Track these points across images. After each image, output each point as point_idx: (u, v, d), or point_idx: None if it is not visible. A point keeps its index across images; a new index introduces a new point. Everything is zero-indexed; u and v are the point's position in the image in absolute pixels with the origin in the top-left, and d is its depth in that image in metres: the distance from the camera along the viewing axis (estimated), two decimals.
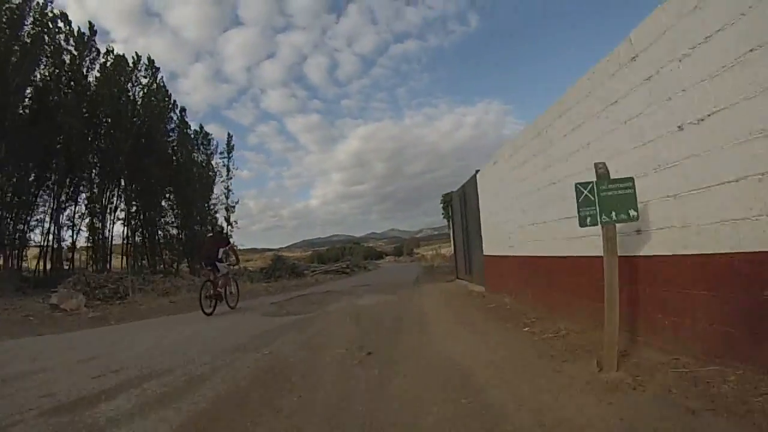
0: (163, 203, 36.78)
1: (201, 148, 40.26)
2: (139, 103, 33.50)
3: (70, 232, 28.96)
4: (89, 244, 31.19)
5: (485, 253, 8.04)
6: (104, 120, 28.86)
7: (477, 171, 8.57)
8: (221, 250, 7.95)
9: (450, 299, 7.80)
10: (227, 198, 41.22)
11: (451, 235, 10.94)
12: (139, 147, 31.36)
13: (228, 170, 41.48)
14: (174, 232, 37.91)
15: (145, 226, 35.95)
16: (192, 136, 39.19)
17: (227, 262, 8.18)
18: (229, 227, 40.89)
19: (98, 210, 31.68)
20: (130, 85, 32.90)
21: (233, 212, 41.72)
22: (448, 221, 11.35)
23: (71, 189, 28.66)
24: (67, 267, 22.29)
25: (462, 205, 9.59)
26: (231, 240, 10.44)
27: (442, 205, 11.65)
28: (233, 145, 42.69)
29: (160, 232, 36.83)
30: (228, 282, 8.16)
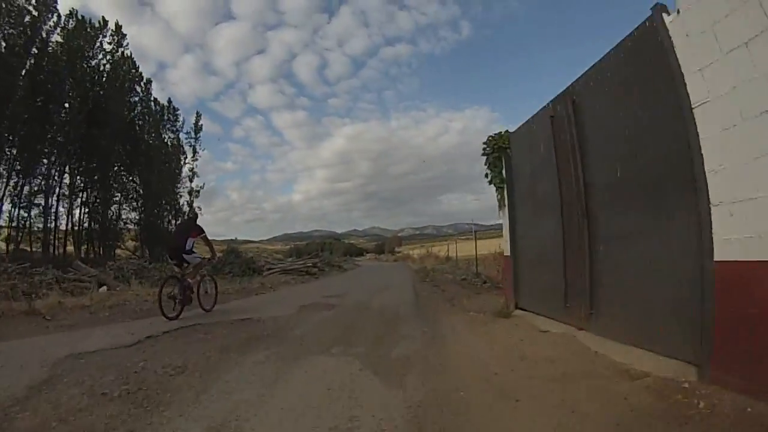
0: (122, 183, 31.75)
1: (167, 125, 34.83)
2: (101, 70, 28.68)
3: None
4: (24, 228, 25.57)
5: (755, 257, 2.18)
6: (64, 87, 23.98)
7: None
8: (190, 241, 6.12)
9: None
10: (191, 181, 35.60)
11: (506, 215, 5.08)
12: (96, 119, 26.30)
13: (194, 151, 35.94)
14: (131, 216, 32.18)
15: (98, 209, 29.96)
16: (157, 110, 33.67)
17: (197, 255, 6.27)
18: (192, 213, 35.26)
19: (43, 188, 26.19)
20: (92, 51, 28.14)
21: (197, 197, 35.90)
22: (499, 190, 5.38)
23: (23, 164, 23.42)
24: None
25: (572, 135, 3.66)
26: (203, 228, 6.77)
27: (486, 157, 5.51)
28: (201, 125, 36.67)
29: (117, 216, 31.48)
30: (201, 280, 6.42)
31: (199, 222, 6.77)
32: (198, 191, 35.60)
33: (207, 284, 6.71)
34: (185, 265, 6.11)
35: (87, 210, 28.76)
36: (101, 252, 28.72)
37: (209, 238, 6.61)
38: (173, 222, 34.44)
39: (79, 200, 28.14)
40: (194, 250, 6.31)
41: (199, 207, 35.74)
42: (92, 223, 28.97)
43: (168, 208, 33.86)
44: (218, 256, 17.93)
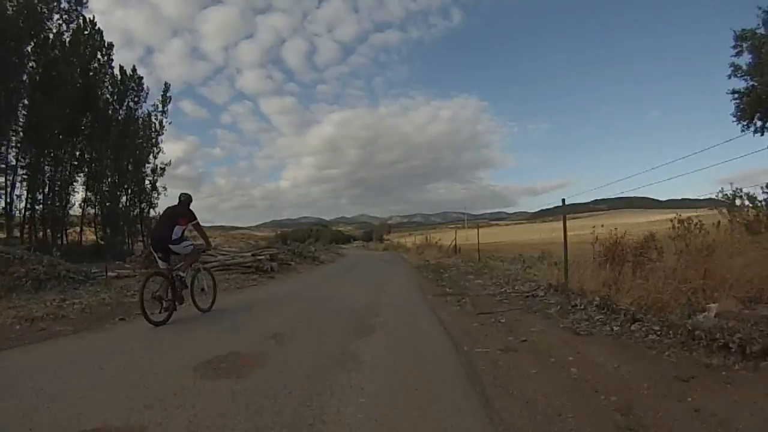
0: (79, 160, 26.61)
1: (131, 94, 29.86)
2: (57, 32, 24.46)
3: None
4: None
5: None
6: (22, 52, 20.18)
7: None
8: (178, 229, 4.91)
9: None
10: (155, 157, 30.55)
11: None
12: (46, 85, 22.07)
13: (161, 125, 30.94)
14: (88, 196, 27.03)
15: (38, 188, 24.43)
16: (120, 79, 28.71)
17: (188, 243, 5.08)
18: (155, 193, 30.56)
19: None
20: (47, 11, 23.48)
21: (161, 175, 30.97)
22: None
23: None
24: None
25: None
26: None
27: None
28: (170, 97, 31.78)
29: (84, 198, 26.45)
30: (195, 273, 5.27)
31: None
32: (163, 169, 30.93)
33: (202, 279, 5.40)
34: (173, 257, 4.94)
35: (27, 189, 23.31)
36: (48, 238, 23.34)
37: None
38: (140, 205, 30.01)
39: (18, 178, 22.81)
40: (184, 238, 5.03)
41: (164, 187, 31.03)
42: (35, 205, 23.63)
43: (134, 188, 29.25)
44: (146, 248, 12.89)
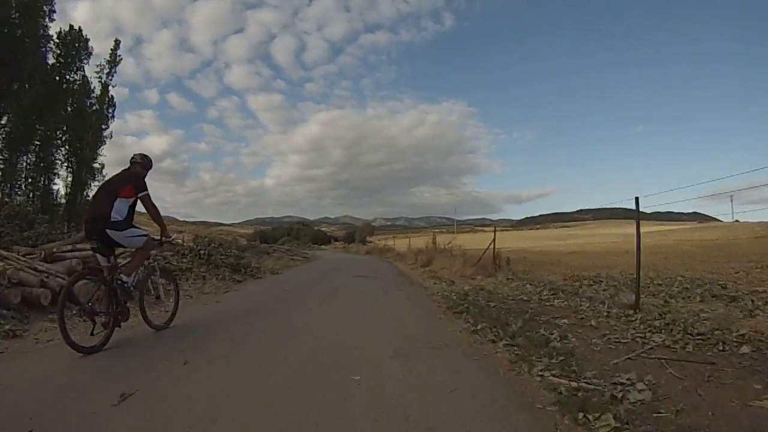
0: None
1: (75, 54, 23.79)
2: None
3: None
4: None
5: None
6: None
7: None
8: (122, 204, 3.05)
9: None
10: (89, 128, 24.31)
11: None
12: None
13: (105, 89, 24.61)
14: None
15: None
16: (63, 36, 22.39)
17: (138, 232, 3.15)
18: (97, 174, 24.14)
19: None
20: None
21: (99, 152, 24.62)
22: None
23: None
24: None
25: None
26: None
27: None
28: (120, 57, 25.48)
29: None
30: (146, 276, 3.46)
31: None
32: (104, 141, 24.87)
33: (158, 284, 3.63)
34: (113, 247, 3.07)
35: None
36: None
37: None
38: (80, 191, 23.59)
39: None
40: (135, 225, 3.14)
41: (101, 164, 24.60)
42: None
43: (71, 167, 22.95)
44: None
